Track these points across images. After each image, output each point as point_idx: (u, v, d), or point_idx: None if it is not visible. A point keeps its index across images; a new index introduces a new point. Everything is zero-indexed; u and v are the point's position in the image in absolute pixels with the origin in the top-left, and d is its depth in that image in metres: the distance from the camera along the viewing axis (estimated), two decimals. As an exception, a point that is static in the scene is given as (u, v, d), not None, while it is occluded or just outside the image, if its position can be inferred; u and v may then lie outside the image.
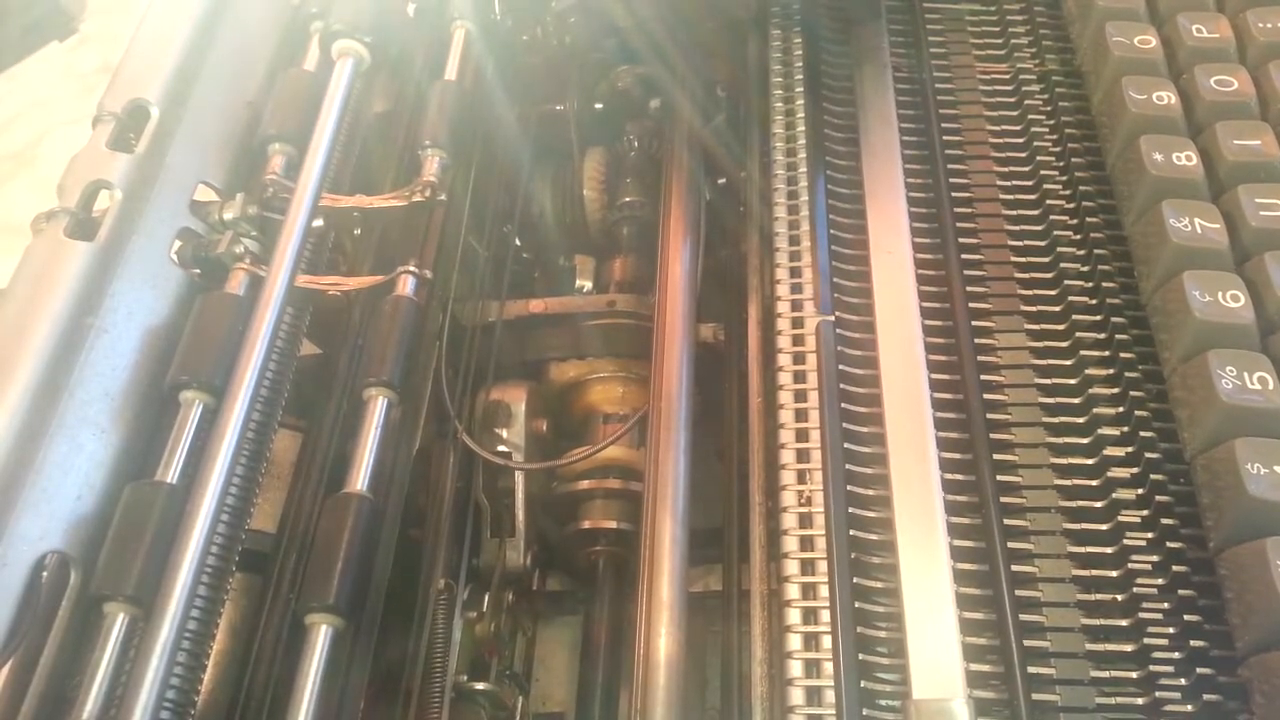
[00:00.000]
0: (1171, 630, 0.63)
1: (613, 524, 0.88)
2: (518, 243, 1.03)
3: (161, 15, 0.82)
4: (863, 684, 0.62)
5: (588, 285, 0.99)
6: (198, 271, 0.77)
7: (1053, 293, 0.76)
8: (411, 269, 0.79)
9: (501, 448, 0.86)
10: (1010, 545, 0.66)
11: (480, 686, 0.77)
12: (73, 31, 1.75)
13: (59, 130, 1.70)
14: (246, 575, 0.76)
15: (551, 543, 0.92)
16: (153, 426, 0.70)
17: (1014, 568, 0.65)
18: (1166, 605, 0.63)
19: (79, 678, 0.60)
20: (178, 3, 0.82)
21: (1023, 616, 0.63)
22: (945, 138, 0.85)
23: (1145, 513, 0.66)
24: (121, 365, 0.69)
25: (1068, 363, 0.73)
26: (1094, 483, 0.68)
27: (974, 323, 0.75)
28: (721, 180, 0.98)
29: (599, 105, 1.05)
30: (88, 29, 1.76)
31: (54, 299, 0.67)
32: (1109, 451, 0.69)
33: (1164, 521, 0.65)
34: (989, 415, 0.71)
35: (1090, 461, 0.69)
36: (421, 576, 0.77)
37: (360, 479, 0.69)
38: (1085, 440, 0.70)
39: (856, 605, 0.65)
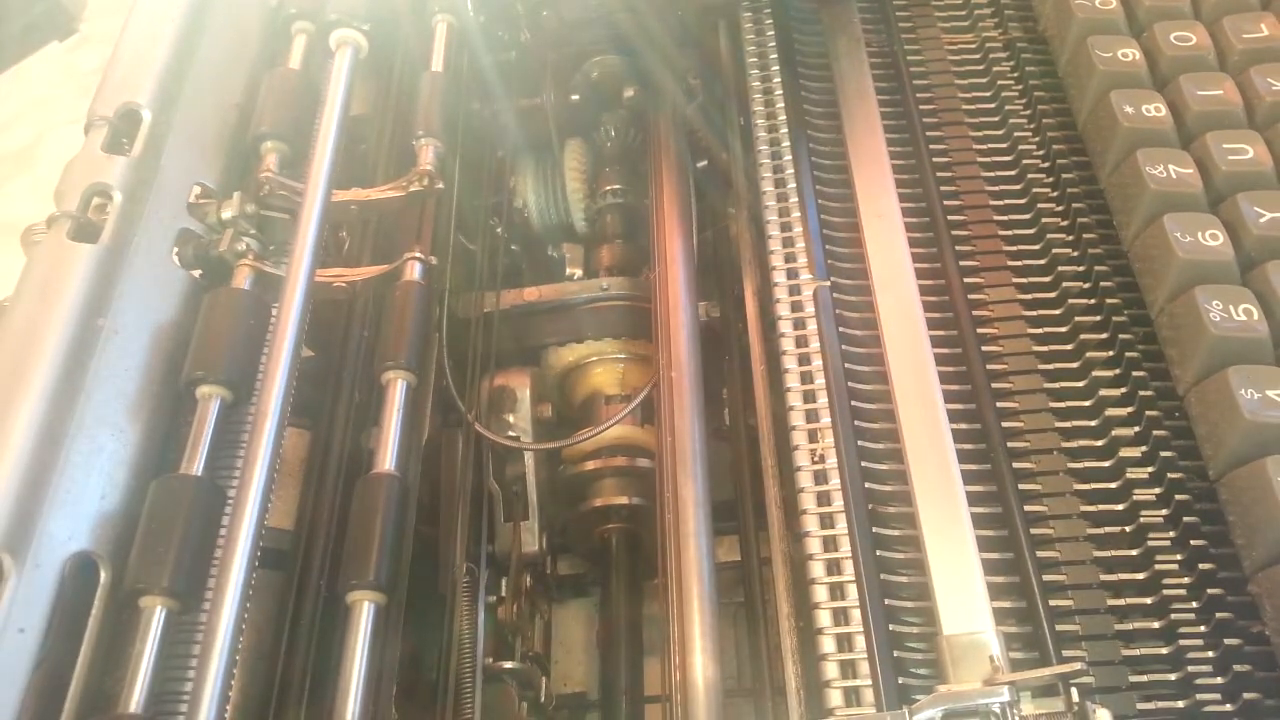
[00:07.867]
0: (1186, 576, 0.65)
1: (624, 499, 0.89)
2: (503, 233, 1.03)
3: (145, 19, 0.81)
4: (890, 627, 0.64)
5: (578, 273, 1.00)
6: (199, 272, 0.77)
7: (1037, 247, 0.80)
8: (418, 255, 0.79)
9: (509, 433, 0.87)
10: (1021, 486, 0.68)
11: (508, 665, 0.78)
12: (73, 31, 1.72)
13: (59, 130, 1.69)
14: (262, 572, 0.76)
15: (562, 525, 0.93)
16: (168, 423, 0.70)
17: (1027, 507, 0.67)
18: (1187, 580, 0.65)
19: (119, 672, 0.59)
20: (160, 6, 0.82)
21: (1041, 557, 0.65)
22: (921, 106, 0.87)
23: (1158, 489, 0.68)
24: (134, 365, 0.69)
25: (1057, 312, 0.76)
26: (1100, 443, 0.70)
27: (966, 279, 0.78)
28: (703, 163, 1.00)
29: (575, 97, 1.06)
30: (88, 29, 1.74)
31: (63, 303, 0.67)
32: (1116, 431, 0.70)
33: (1169, 475, 0.68)
34: (988, 366, 0.74)
35: (1094, 424, 0.71)
36: (441, 563, 0.77)
37: (388, 459, 0.70)
38: (1088, 403, 0.72)
39: (878, 553, 0.67)
